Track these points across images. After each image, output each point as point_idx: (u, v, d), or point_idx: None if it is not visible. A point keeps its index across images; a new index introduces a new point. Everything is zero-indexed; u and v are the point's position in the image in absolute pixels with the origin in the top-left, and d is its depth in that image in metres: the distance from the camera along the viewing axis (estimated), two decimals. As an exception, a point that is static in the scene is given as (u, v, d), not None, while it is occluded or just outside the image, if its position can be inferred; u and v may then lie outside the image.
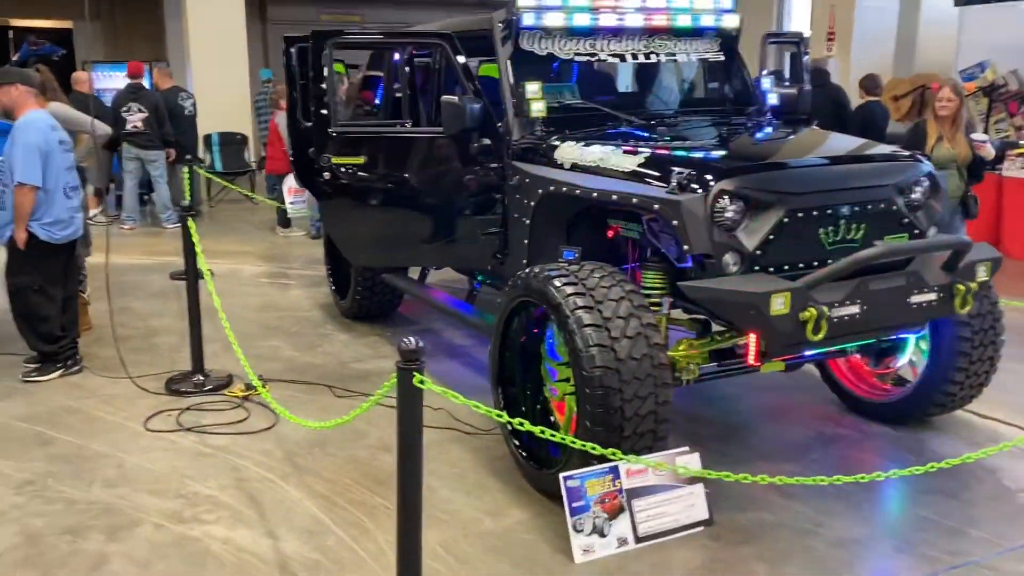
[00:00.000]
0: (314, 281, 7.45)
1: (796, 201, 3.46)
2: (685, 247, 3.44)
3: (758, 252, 3.43)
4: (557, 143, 4.17)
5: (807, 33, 12.62)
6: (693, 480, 3.45)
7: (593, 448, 2.99)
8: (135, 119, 9.73)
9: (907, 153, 3.96)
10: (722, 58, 4.97)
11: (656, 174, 3.58)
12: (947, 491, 3.76)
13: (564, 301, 3.38)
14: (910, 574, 3.17)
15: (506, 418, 3.07)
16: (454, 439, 4.31)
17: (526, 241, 4.32)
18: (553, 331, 3.65)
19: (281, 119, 8.64)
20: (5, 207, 4.97)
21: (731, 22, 4.92)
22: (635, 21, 4.66)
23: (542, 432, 2.93)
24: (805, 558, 3.26)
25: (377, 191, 4.69)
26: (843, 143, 4.30)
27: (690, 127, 4.52)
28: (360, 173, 4.62)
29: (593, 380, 3.26)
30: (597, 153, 3.91)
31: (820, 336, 3.27)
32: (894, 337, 3.97)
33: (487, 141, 4.50)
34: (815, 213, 3.50)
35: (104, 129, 6.09)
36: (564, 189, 3.99)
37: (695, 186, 3.43)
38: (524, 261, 4.32)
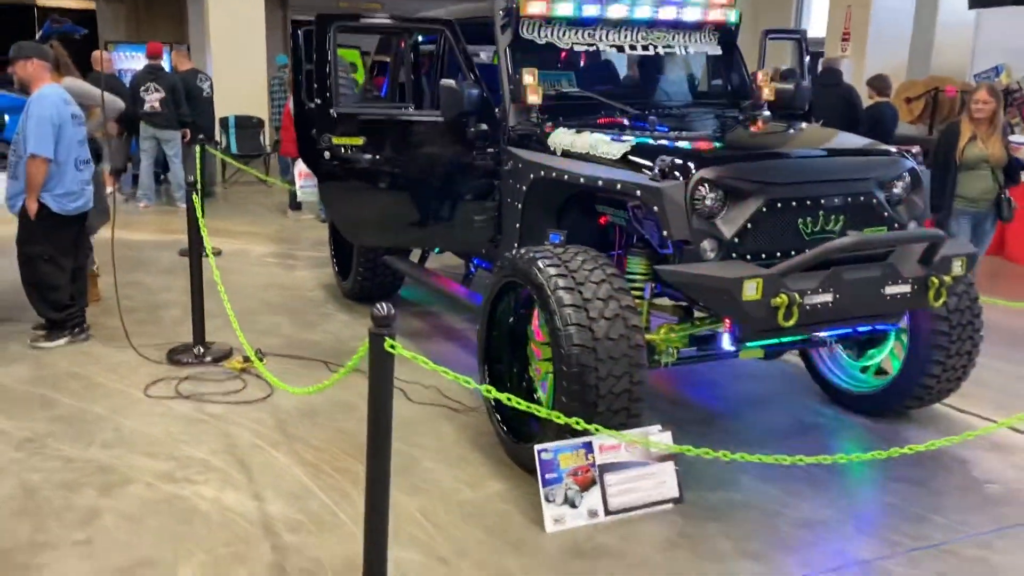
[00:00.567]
0: (319, 262, 7.59)
1: (774, 191, 3.56)
2: (664, 233, 3.55)
3: (736, 240, 3.53)
4: (551, 130, 4.28)
5: (823, 33, 12.66)
6: (665, 459, 3.56)
7: (558, 417, 3.12)
8: (153, 99, 9.91)
9: (889, 148, 4.04)
10: (719, 52, 5.06)
11: (640, 162, 3.68)
12: (915, 480, 3.85)
13: (546, 282, 3.50)
14: (869, 555, 3.26)
15: (484, 388, 3.18)
16: (442, 415, 4.44)
17: (517, 225, 4.44)
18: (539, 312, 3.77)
19: (294, 103, 8.79)
20: (18, 178, 5.14)
21: (729, 17, 5.00)
22: (635, 13, 4.75)
23: (508, 399, 3.05)
24: (769, 536, 3.37)
25: (375, 172, 4.81)
26: (828, 138, 4.39)
27: (681, 118, 4.62)
28: (359, 154, 4.75)
29: (570, 358, 3.38)
30: (588, 140, 4.01)
31: (792, 322, 3.37)
32: (871, 328, 4.05)
33: (484, 126, 4.61)
34: (794, 204, 3.60)
35: (116, 103, 6.25)
36: (554, 174, 4.10)
37: (676, 174, 3.53)
38: (515, 244, 4.43)
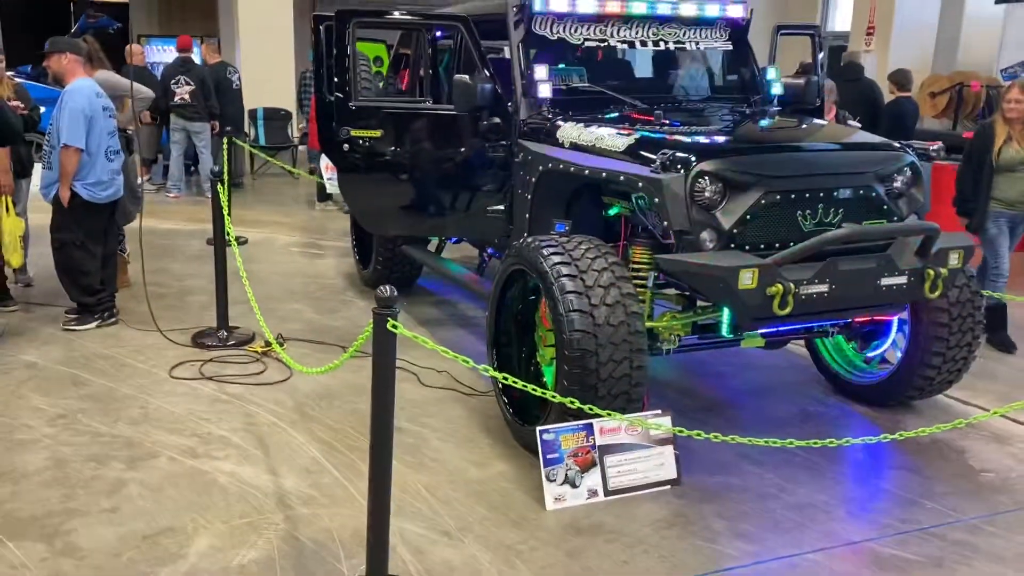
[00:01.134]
0: (342, 252, 7.78)
1: (773, 184, 3.67)
2: (665, 223, 3.67)
3: (735, 231, 3.64)
4: (560, 123, 4.41)
5: (848, 28, 12.64)
6: (664, 442, 3.69)
7: (553, 397, 3.28)
8: (183, 91, 10.16)
9: (891, 143, 4.12)
10: (730, 47, 5.15)
11: (643, 154, 3.80)
12: (911, 467, 3.95)
13: (550, 269, 3.64)
14: (858, 536, 3.37)
15: (483, 368, 3.31)
16: (453, 399, 4.59)
17: (527, 215, 4.57)
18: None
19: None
20: (52, 167, 5.36)
21: (739, 12, 5.09)
22: (644, 9, 4.86)
23: (505, 379, 3.19)
24: (762, 518, 3.48)
25: (392, 164, 4.97)
26: (830, 132, 4.47)
27: (689, 112, 4.72)
28: (377, 146, 4.91)
29: (572, 342, 3.51)
30: (594, 134, 4.13)
31: (787, 311, 3.48)
32: (870, 319, 4.14)
33: (497, 120, 4.75)
34: (792, 196, 3.70)
35: (146, 93, 6.48)
36: (561, 166, 4.23)
37: (678, 166, 3.65)
38: (525, 234, 4.57)
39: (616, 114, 4.50)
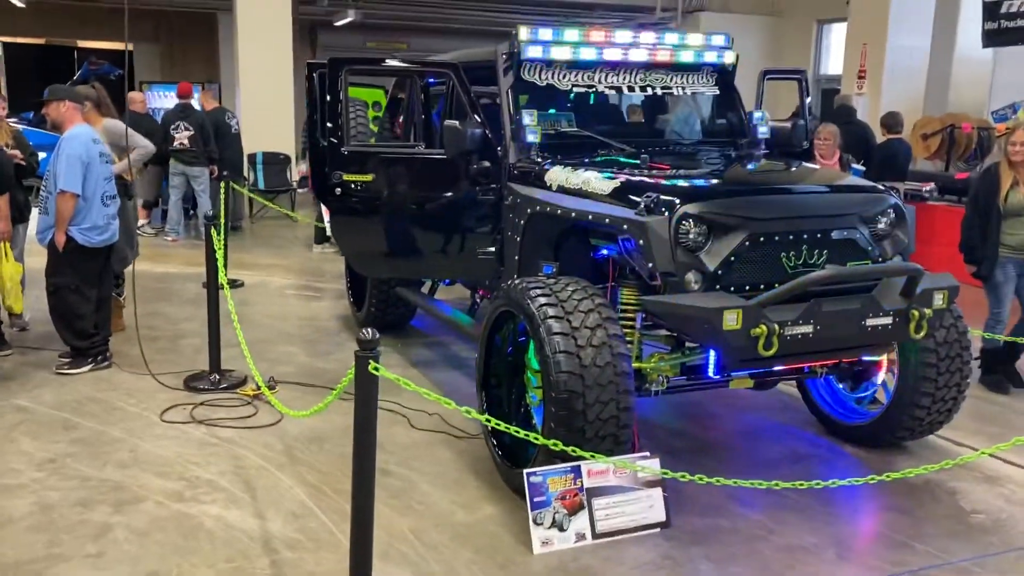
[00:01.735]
0: (338, 294, 7.81)
1: (757, 226, 3.71)
2: (650, 265, 3.70)
3: (719, 272, 3.68)
4: (548, 167, 4.46)
5: (840, 71, 12.82)
6: (652, 484, 3.68)
7: (535, 438, 3.28)
8: (182, 136, 10.29)
9: (875, 185, 4.17)
10: (717, 92, 5.24)
11: (629, 197, 3.85)
12: (902, 508, 3.93)
13: (536, 311, 3.66)
14: (847, 579, 3.35)
15: (464, 410, 3.31)
16: (443, 441, 4.59)
17: (517, 257, 4.61)
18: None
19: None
20: (48, 212, 5.42)
21: (727, 58, 5.18)
22: (634, 56, 4.95)
23: (488, 420, 3.19)
24: (751, 560, 3.46)
25: (382, 207, 5.03)
26: (815, 174, 4.52)
27: (676, 156, 4.78)
28: (368, 190, 4.97)
29: (558, 384, 3.52)
30: (581, 177, 4.19)
31: (772, 352, 3.50)
32: (857, 360, 4.15)
33: (487, 164, 4.81)
34: (776, 238, 3.74)
35: (147, 147, 6.59)
36: (548, 209, 4.28)
37: (662, 209, 3.69)
38: (515, 276, 4.60)
39: (603, 158, 4.55)
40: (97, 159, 5.43)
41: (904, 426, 4.37)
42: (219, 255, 5.23)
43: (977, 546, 3.62)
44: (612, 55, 4.88)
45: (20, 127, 7.78)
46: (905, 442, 4.57)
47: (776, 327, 3.48)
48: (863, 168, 8.44)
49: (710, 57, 5.13)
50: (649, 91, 5.05)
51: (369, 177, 4.94)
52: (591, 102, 5.03)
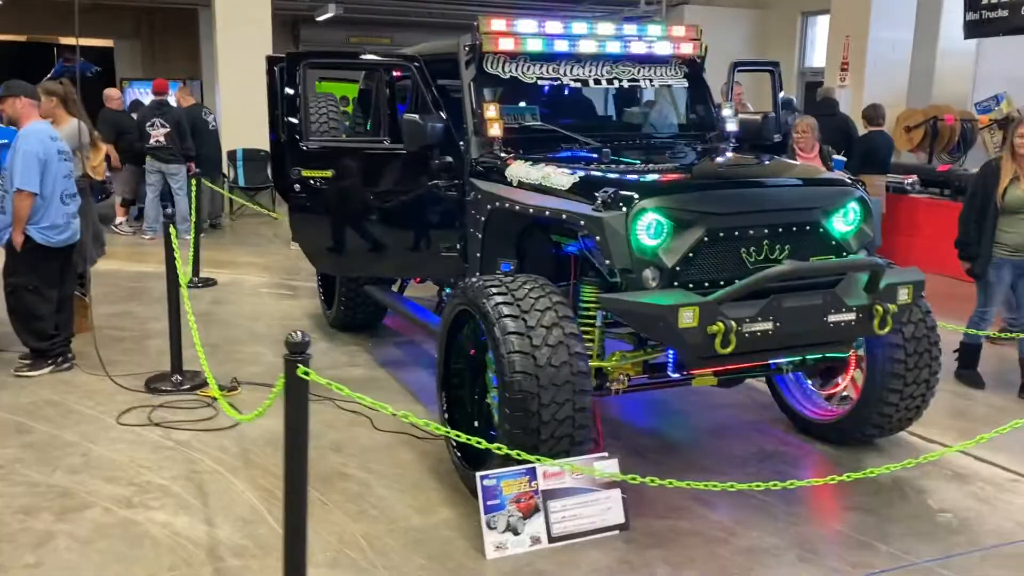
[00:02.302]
0: (312, 293, 7.69)
1: (716, 221, 3.61)
2: (607, 261, 3.61)
3: (678, 268, 3.58)
4: (510, 162, 4.36)
5: (822, 64, 12.73)
6: (611, 485, 3.59)
7: (479, 443, 3.18)
8: (158, 134, 10.16)
9: (840, 179, 4.08)
10: (686, 85, 5.14)
11: (587, 192, 3.75)
12: (868, 508, 3.85)
13: (492, 309, 3.57)
14: (807, 582, 3.27)
15: (402, 414, 3.21)
16: (406, 442, 4.49)
17: (479, 254, 4.51)
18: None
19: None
20: (5, 211, 5.30)
21: (694, 50, 5.09)
22: (596, 48, 4.85)
23: (426, 424, 3.11)
24: (709, 563, 3.37)
25: (342, 203, 4.93)
26: (778, 168, 4.43)
27: (640, 150, 4.68)
28: (327, 186, 4.86)
29: (512, 384, 3.43)
30: (542, 172, 4.09)
31: (730, 349, 3.41)
32: (821, 356, 4.07)
33: (449, 159, 4.71)
34: (736, 233, 3.65)
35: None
36: (507, 205, 4.19)
37: (620, 204, 3.60)
38: (477, 273, 4.50)
39: (565, 152, 4.46)
40: (55, 157, 5.32)
41: (873, 423, 4.29)
42: (178, 254, 5.12)
43: (942, 546, 3.54)
44: (575, 47, 4.77)
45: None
46: (875, 439, 4.49)
47: (733, 324, 3.39)
48: (845, 159, 8.36)
49: (676, 49, 5.03)
50: (615, 84, 4.95)
51: (329, 173, 4.84)
52: (557, 95, 4.92)
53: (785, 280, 3.53)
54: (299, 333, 2.60)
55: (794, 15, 15.15)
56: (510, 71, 4.76)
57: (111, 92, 10.90)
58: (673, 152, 4.68)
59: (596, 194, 3.67)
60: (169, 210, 5.63)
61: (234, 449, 4.36)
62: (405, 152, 4.71)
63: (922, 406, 4.30)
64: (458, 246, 4.81)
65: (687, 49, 5.08)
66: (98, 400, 5.02)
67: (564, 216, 3.80)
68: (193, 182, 8.26)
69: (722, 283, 3.63)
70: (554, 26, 4.71)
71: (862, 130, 9.45)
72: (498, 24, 4.67)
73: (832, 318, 3.63)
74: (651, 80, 5.03)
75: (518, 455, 3.18)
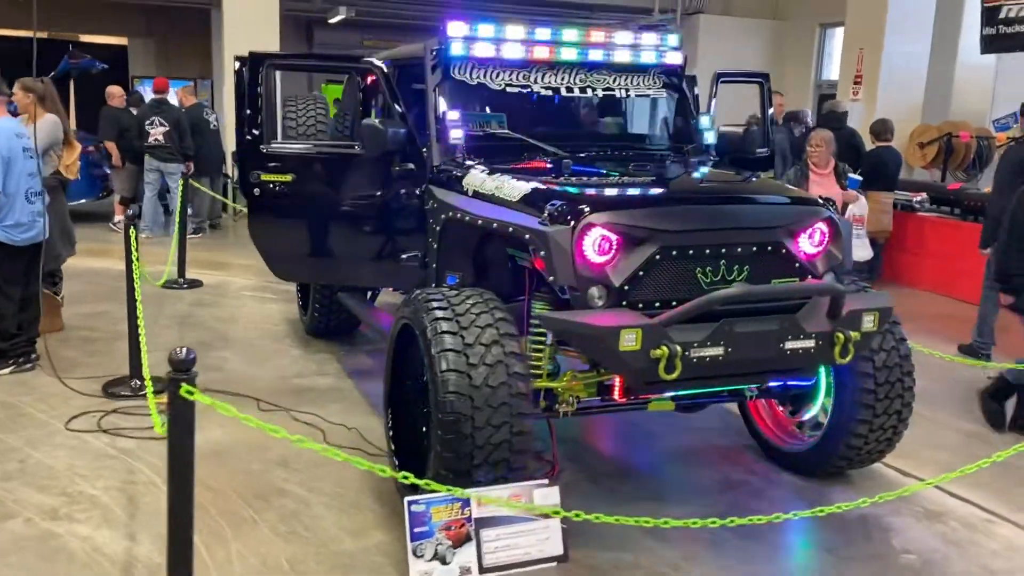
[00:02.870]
0: (294, 298, 7.58)
1: (669, 238, 3.42)
2: (551, 278, 3.43)
3: (626, 287, 3.39)
4: (468, 171, 4.20)
5: (836, 77, 12.45)
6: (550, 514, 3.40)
7: (383, 472, 3.03)
8: (157, 132, 10.12)
9: (809, 197, 3.88)
10: (663, 95, 4.95)
11: (536, 204, 3.58)
12: (828, 546, 3.64)
13: (430, 324, 3.40)
14: (747, 627, 3.07)
15: (311, 444, 3.05)
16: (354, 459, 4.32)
17: (435, 265, 4.36)
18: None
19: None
20: (-31, 209, 5.22)
21: (673, 59, 4.90)
22: (570, 55, 4.68)
23: (338, 455, 2.93)
24: (645, 602, 3.19)
25: (301, 208, 4.79)
26: (746, 185, 4.22)
27: (608, 162, 4.48)
28: (287, 190, 4.73)
29: (445, 405, 3.26)
30: (497, 181, 3.92)
31: (675, 375, 3.21)
32: (783, 383, 3.86)
33: (411, 165, 4.55)
34: (691, 251, 3.45)
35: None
36: (459, 215, 4.02)
37: (568, 218, 3.42)
38: (433, 284, 4.35)
39: (526, 163, 4.28)
40: (20, 154, 5.23)
41: (840, 455, 4.07)
42: (136, 254, 5.02)
43: (900, 591, 3.33)
44: (544, 53, 4.61)
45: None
46: (846, 471, 4.27)
47: (679, 349, 3.19)
48: (860, 178, 8.10)
49: (655, 58, 4.84)
50: (589, 93, 4.77)
51: (288, 177, 4.70)
52: (527, 103, 4.74)
53: (736, 303, 3.33)
54: (183, 350, 2.44)
55: (812, 27, 14.87)
56: (478, 77, 4.60)
57: (113, 89, 10.87)
58: (641, 164, 4.47)
59: (545, 206, 3.50)
60: (131, 210, 5.50)
61: (176, 460, 4.22)
62: (366, 158, 4.56)
63: (894, 438, 4.07)
64: (418, 255, 4.65)
65: (669, 59, 4.89)
66: (52, 404, 4.91)
67: (511, 229, 3.63)
68: (181, 182, 8.17)
69: (674, 304, 3.43)
70: (518, 31, 4.54)
71: (870, 145, 9.20)
72: (465, 28, 4.51)
73: (789, 345, 3.42)
74: (627, 90, 4.84)
75: (426, 484, 3.00)
